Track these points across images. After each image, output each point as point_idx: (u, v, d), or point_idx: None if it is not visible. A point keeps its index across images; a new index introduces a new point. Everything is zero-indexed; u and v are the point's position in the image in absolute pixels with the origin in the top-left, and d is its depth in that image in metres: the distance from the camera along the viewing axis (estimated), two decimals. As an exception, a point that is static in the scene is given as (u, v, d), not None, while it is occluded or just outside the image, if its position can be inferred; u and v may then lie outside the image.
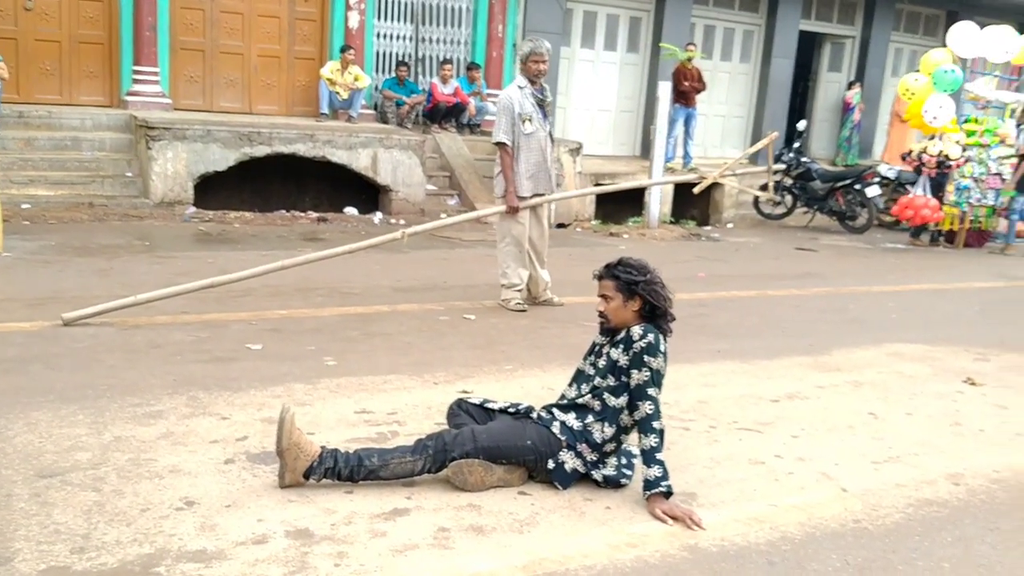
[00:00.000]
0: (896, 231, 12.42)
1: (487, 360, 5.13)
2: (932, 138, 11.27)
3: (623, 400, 3.50)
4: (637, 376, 3.45)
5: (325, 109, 11.66)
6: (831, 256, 10.16)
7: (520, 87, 6.14)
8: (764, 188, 10.20)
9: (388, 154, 10.67)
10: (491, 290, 6.73)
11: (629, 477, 3.60)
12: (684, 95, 12.73)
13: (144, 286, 5.94)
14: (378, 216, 10.64)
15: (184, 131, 9.61)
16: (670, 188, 12.47)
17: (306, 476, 3.33)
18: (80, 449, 3.54)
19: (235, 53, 11.57)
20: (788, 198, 12.92)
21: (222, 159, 9.81)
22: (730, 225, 12.84)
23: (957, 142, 11.09)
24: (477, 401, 3.87)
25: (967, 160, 11.12)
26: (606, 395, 3.52)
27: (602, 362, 3.59)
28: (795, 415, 4.60)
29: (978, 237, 11.59)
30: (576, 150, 11.85)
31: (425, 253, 8.39)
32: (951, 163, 11.04)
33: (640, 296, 3.53)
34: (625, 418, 3.52)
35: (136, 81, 10.82)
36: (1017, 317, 7.48)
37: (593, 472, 3.54)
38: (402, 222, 10.27)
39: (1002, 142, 11.35)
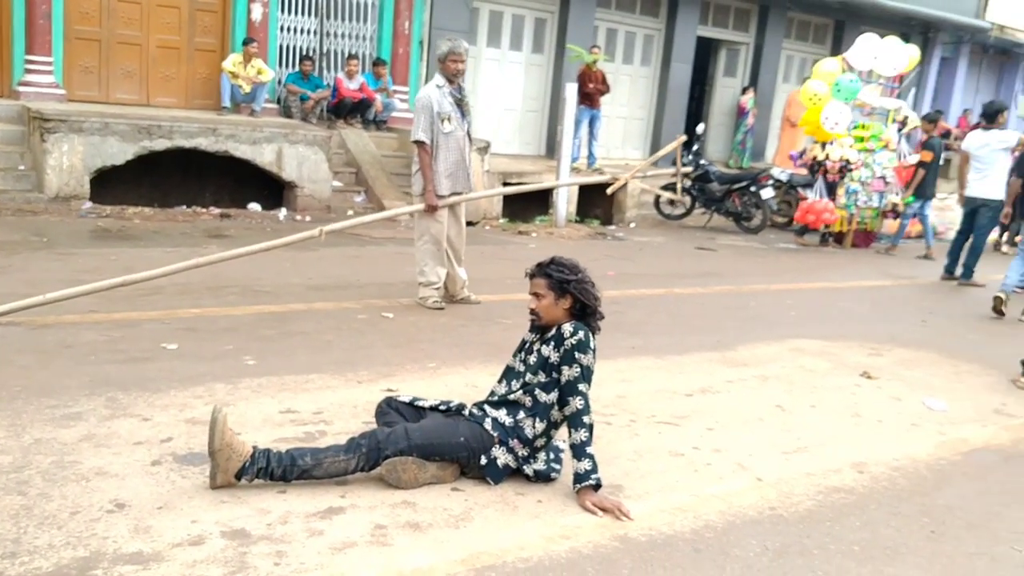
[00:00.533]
0: (788, 232, 12.94)
1: (409, 358, 5.15)
2: (826, 144, 11.78)
3: (554, 396, 3.60)
4: (568, 372, 3.55)
5: (227, 102, 11.42)
6: (730, 255, 10.53)
7: (439, 86, 6.17)
8: (671, 189, 10.54)
9: (294, 149, 10.52)
10: (406, 288, 6.75)
11: (558, 471, 3.69)
12: (589, 96, 12.96)
13: (47, 284, 5.73)
14: (283, 212, 10.48)
15: (81, 123, 9.26)
16: (575, 188, 12.66)
17: (238, 476, 3.31)
18: (0, 452, 3.42)
19: (133, 43, 11.20)
20: (687, 199, 13.30)
21: (120, 153, 9.49)
22: (633, 224, 13.12)
23: (851, 147, 11.63)
24: (407, 399, 3.91)
25: (862, 164, 11.68)
26: (537, 391, 3.61)
27: (533, 359, 3.68)
28: (708, 408, 4.79)
29: (864, 238, 12.19)
30: (484, 149, 11.91)
31: (335, 251, 8.32)
32: (851, 167, 11.56)
33: (571, 295, 3.64)
34: (555, 413, 3.62)
35: (28, 71, 10.36)
36: (904, 314, 7.93)
37: (524, 467, 3.62)
38: (308, 219, 10.17)
39: (886, 147, 11.96)
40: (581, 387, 3.54)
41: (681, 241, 11.52)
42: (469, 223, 11.09)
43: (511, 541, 3.18)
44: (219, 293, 6.27)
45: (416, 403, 3.87)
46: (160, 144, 9.69)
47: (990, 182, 9.25)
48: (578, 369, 3.54)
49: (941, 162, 12.29)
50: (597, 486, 3.49)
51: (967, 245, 9.59)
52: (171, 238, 8.41)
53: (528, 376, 3.66)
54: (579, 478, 3.49)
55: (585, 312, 3.67)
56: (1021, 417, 5.20)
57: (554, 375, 3.59)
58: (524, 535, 3.23)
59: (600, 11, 14.68)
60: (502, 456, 3.59)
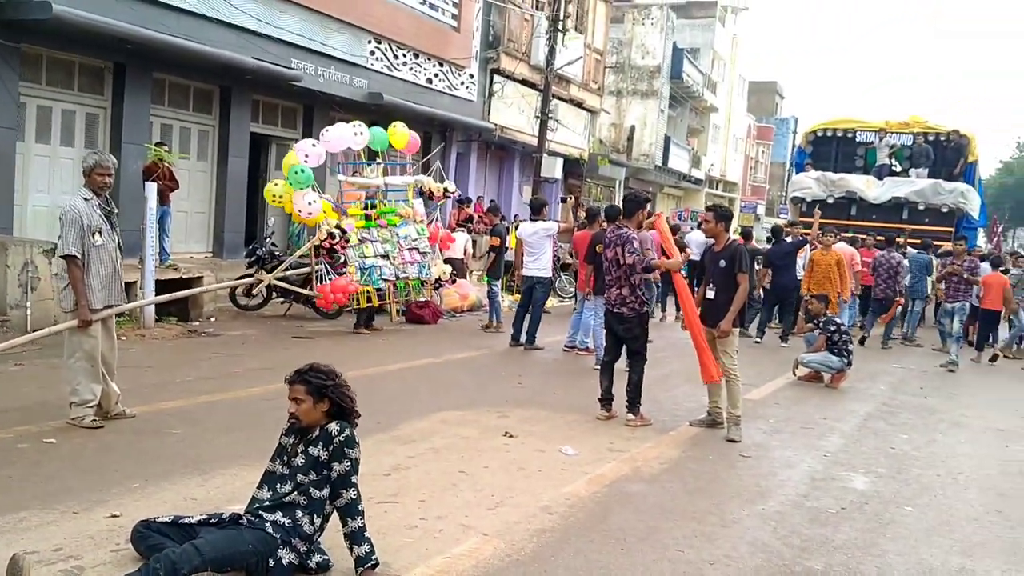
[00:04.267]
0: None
1: (109, 482, 4.99)
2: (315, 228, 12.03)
3: (327, 491, 3.98)
4: (339, 467, 3.97)
5: None
6: (329, 342, 11.12)
7: (86, 199, 6.03)
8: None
9: None
10: (43, 410, 6.38)
11: (330, 559, 4.05)
12: (159, 193, 12.74)
13: None
14: None
15: None
16: (149, 286, 12.29)
17: (38, 626, 3.19)
18: None
19: None
20: (264, 290, 13.61)
21: None
22: (212, 319, 13.05)
23: (337, 226, 11.86)
24: (168, 519, 4.00)
25: (361, 240, 12.10)
26: (311, 489, 3.97)
27: (300, 460, 4.02)
28: (410, 484, 5.41)
29: (432, 314, 13.59)
30: (52, 251, 11.13)
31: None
32: (339, 245, 11.87)
33: (329, 398, 4.06)
34: (328, 508, 4.01)
35: None
36: (501, 379, 9.24)
37: (308, 561, 3.94)
38: None
39: (411, 220, 12.55)
40: (353, 479, 3.99)
41: (274, 332, 11.82)
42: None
43: (328, 628, 3.51)
44: None
45: (180, 521, 3.96)
46: None
47: (541, 263, 11.16)
48: (348, 463, 3.98)
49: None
50: (376, 565, 3.94)
51: (528, 317, 11.34)
52: None
53: (299, 477, 3.99)
54: (361, 560, 3.92)
55: (343, 413, 4.10)
56: (627, 451, 6.62)
57: (325, 472, 3.97)
58: (335, 620, 3.57)
59: (154, 107, 14.51)
60: (287, 555, 3.87)
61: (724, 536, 4.98)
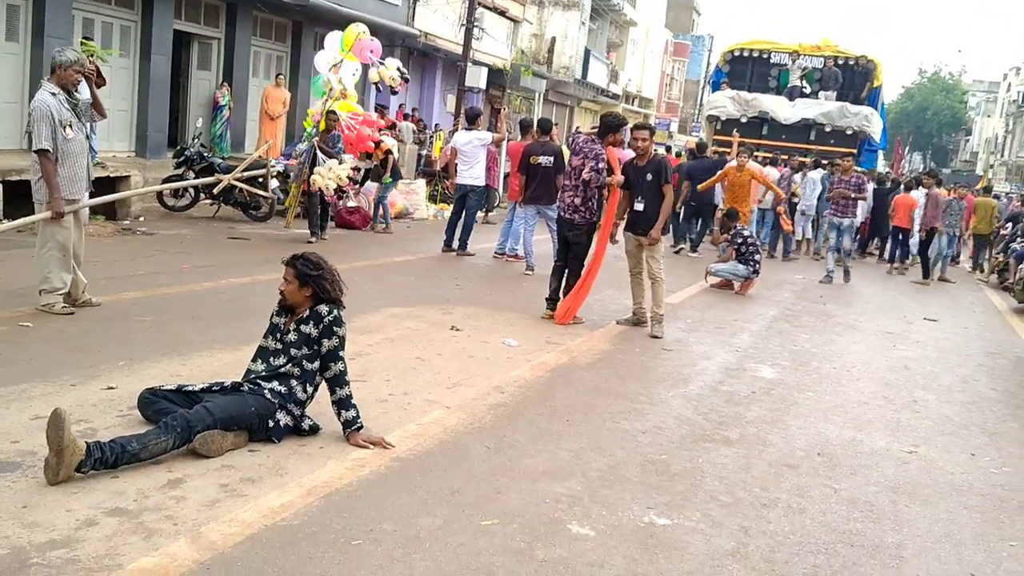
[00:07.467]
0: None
1: (96, 361, 5.36)
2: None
3: (317, 364, 4.49)
4: (328, 343, 4.47)
5: None
6: (264, 243, 11.38)
7: (53, 94, 6.20)
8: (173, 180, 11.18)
9: None
10: (8, 298, 6.64)
11: (319, 424, 4.58)
12: (87, 90, 12.60)
13: None
14: None
15: None
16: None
17: (78, 469, 3.65)
18: None
19: None
20: (192, 191, 13.67)
21: None
22: (141, 218, 13.08)
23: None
24: (172, 387, 4.46)
25: None
26: (304, 362, 4.47)
27: (292, 337, 4.51)
28: (374, 366, 5.95)
29: (362, 220, 13.91)
30: (-20, 146, 11.03)
31: None
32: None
33: (311, 286, 4.53)
34: (318, 378, 4.52)
35: None
36: (439, 280, 9.76)
37: (302, 423, 4.47)
38: None
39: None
40: (340, 353, 4.51)
41: (208, 233, 11.98)
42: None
43: (327, 476, 4.07)
44: None
45: (184, 388, 4.43)
46: None
47: (475, 172, 11.60)
48: (336, 340, 4.49)
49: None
50: (361, 428, 4.50)
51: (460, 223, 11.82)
52: None
53: (292, 351, 4.48)
54: (349, 423, 4.47)
55: (325, 299, 4.56)
56: (563, 344, 7.27)
57: (316, 347, 4.47)
58: (332, 471, 4.13)
59: (76, 1, 14.16)
60: (284, 418, 4.39)
61: (653, 412, 5.69)
